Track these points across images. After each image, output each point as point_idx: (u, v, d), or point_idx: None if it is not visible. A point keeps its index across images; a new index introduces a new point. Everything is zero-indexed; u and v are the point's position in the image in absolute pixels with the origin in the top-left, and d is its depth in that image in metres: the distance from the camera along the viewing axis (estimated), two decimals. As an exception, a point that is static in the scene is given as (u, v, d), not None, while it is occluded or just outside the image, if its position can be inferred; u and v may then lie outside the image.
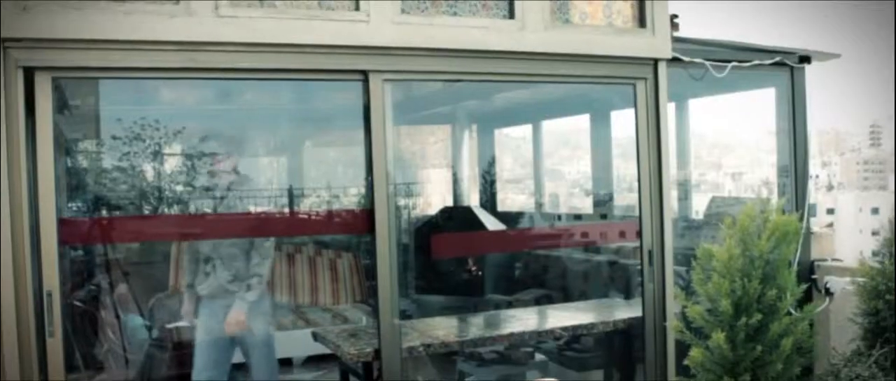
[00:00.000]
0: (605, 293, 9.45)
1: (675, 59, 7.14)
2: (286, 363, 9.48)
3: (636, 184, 7.21)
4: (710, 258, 5.98)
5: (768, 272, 5.86)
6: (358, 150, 6.48)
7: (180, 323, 8.38)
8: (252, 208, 10.99)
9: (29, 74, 5.30)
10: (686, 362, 5.95)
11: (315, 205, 11.73)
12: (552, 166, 14.95)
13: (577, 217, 12.38)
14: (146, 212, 9.54)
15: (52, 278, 5.39)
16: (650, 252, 7.13)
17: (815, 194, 8.15)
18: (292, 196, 11.79)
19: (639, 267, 7.27)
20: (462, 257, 10.68)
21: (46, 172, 5.39)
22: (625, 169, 9.47)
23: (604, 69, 6.97)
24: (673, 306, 7.01)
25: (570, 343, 8.38)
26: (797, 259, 7.21)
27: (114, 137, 8.64)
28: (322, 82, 7.12)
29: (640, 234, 7.18)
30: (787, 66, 7.79)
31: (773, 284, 5.81)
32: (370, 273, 6.79)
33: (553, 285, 10.22)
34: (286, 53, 5.87)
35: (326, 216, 11.03)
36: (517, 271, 10.96)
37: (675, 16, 7.29)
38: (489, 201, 12.82)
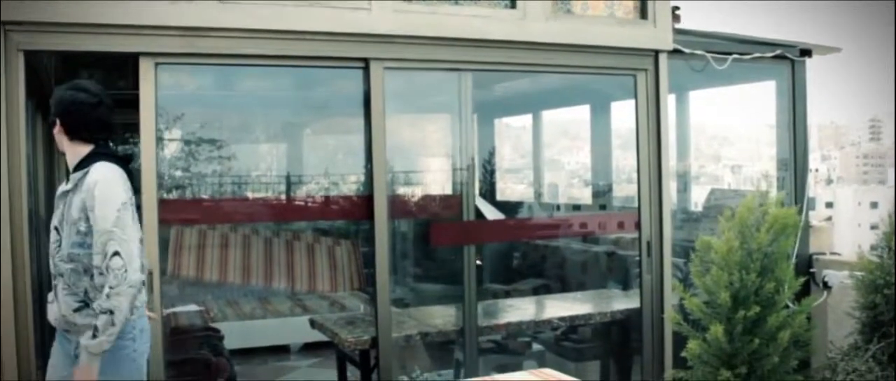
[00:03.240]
0: (603, 284, 9.45)
1: (675, 51, 7.14)
2: (283, 349, 9.50)
3: (635, 175, 7.22)
4: (708, 250, 5.98)
5: (766, 265, 5.85)
6: (357, 137, 6.49)
7: (176, 308, 8.40)
8: (250, 195, 11.00)
9: (32, 57, 5.32)
10: (683, 353, 5.96)
11: (314, 192, 11.72)
12: (552, 157, 14.94)
13: (576, 208, 12.39)
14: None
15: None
16: (649, 243, 7.14)
17: (814, 188, 8.16)
18: (290, 183, 11.78)
19: (637, 258, 7.28)
20: (460, 245, 10.67)
21: (149, 160, 5.57)
22: (624, 160, 9.48)
23: (605, 60, 6.97)
24: (671, 298, 7.02)
25: (568, 334, 8.39)
26: (795, 253, 7.22)
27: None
28: (323, 69, 7.11)
29: (638, 225, 7.19)
30: (788, 59, 7.79)
31: (772, 277, 5.80)
32: (368, 261, 6.73)
33: (551, 276, 10.22)
34: (287, 40, 5.87)
35: (325, 203, 11.02)
36: (515, 261, 10.96)
37: (676, 7, 7.29)
38: (488, 191, 12.80)
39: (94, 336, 4.15)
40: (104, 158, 4.36)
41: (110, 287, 4.16)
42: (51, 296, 4.53)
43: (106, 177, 4.28)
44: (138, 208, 4.58)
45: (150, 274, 5.36)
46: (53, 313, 4.51)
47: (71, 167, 4.39)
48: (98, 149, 4.42)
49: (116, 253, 4.19)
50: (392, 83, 6.30)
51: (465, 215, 6.86)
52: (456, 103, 6.82)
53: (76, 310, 4.36)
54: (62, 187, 4.38)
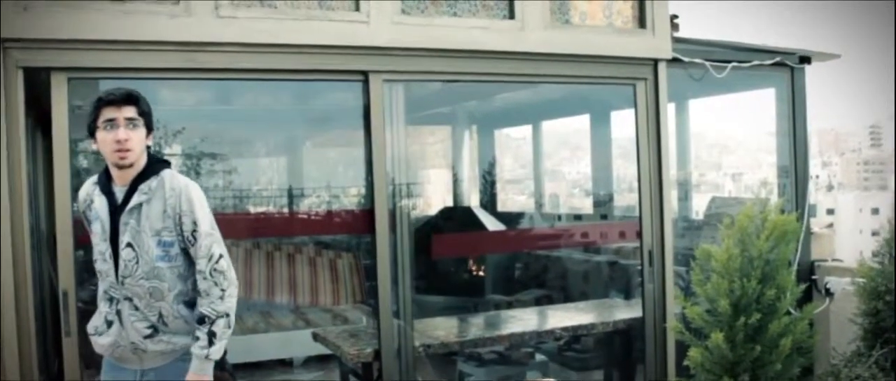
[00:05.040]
0: (605, 294, 9.45)
1: (675, 60, 7.14)
2: (286, 363, 9.48)
3: (636, 184, 7.22)
4: (708, 259, 5.98)
5: (767, 272, 5.86)
6: (357, 150, 6.49)
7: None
8: (251, 209, 11.00)
9: (31, 73, 5.32)
10: (686, 362, 5.95)
11: (315, 205, 11.73)
12: (552, 167, 14.97)
13: (578, 217, 12.39)
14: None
15: (67, 278, 5.38)
16: (650, 252, 7.14)
17: (815, 195, 8.17)
18: (292, 196, 11.79)
19: (639, 267, 7.28)
20: (462, 257, 10.68)
21: (62, 172, 5.40)
22: (625, 169, 9.48)
23: (604, 70, 6.97)
24: (673, 307, 7.02)
25: (571, 344, 8.38)
26: (797, 259, 7.23)
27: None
28: (322, 83, 7.12)
29: (640, 234, 7.18)
30: (787, 66, 7.79)
31: (773, 284, 5.81)
32: (370, 273, 6.72)
33: (553, 286, 10.22)
34: (286, 54, 5.88)
35: (326, 216, 11.02)
36: (517, 272, 10.95)
37: (675, 16, 7.29)
38: (489, 202, 12.82)
39: (212, 343, 4.11)
40: (166, 165, 4.26)
41: (222, 290, 4.14)
42: (97, 323, 4.32)
43: (188, 181, 4.24)
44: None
45: (65, 295, 5.37)
46: (114, 338, 4.23)
47: (127, 180, 4.14)
48: (156, 157, 4.30)
49: (221, 256, 4.18)
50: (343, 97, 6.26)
51: (398, 230, 6.69)
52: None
53: (147, 336, 4.18)
54: (134, 201, 4.10)
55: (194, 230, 4.12)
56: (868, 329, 6.15)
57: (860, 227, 78.53)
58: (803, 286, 6.11)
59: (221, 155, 10.36)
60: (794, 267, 6.55)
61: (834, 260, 7.99)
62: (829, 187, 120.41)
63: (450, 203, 12.89)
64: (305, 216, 11.53)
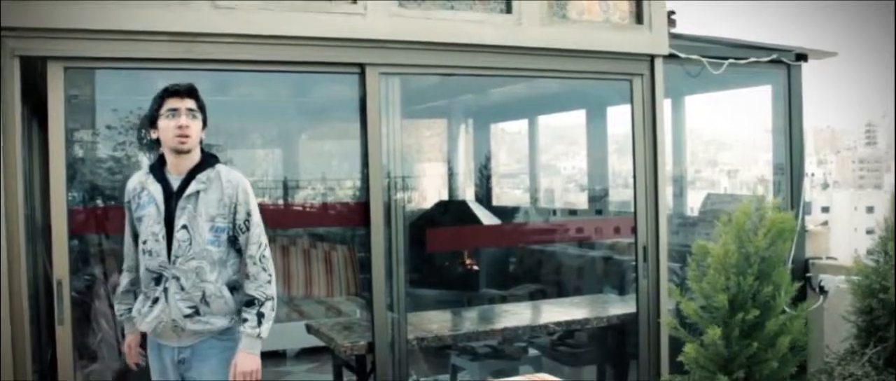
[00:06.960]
0: (599, 289, 9.45)
1: (671, 56, 7.14)
2: (279, 355, 9.47)
3: (631, 180, 7.22)
4: (705, 255, 5.98)
5: (764, 269, 5.85)
6: (353, 143, 6.47)
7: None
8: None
9: (30, 62, 5.31)
10: (680, 358, 5.95)
11: (310, 197, 11.72)
12: (548, 162, 14.96)
13: (573, 213, 12.38)
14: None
15: (62, 267, 5.39)
16: (645, 248, 7.14)
17: (810, 192, 8.16)
18: (287, 188, 11.77)
19: (633, 263, 7.28)
20: (457, 251, 10.67)
21: (57, 162, 5.41)
22: (620, 165, 9.48)
23: (600, 65, 6.97)
24: (667, 303, 7.02)
25: (564, 339, 8.38)
26: (792, 257, 7.23)
27: (108, 127, 8.61)
28: (318, 75, 7.11)
29: (635, 230, 7.18)
30: (784, 63, 7.80)
31: (769, 281, 5.81)
32: (365, 266, 6.72)
33: (547, 280, 10.21)
34: (283, 46, 5.87)
35: (321, 209, 11.01)
36: (512, 266, 10.95)
37: (672, 12, 7.29)
38: (484, 196, 12.81)
39: (260, 323, 4.49)
40: (217, 160, 4.67)
41: (270, 275, 4.57)
42: (140, 307, 4.64)
43: (242, 176, 4.67)
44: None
45: (60, 284, 5.39)
46: (157, 316, 4.53)
47: (183, 170, 4.53)
48: (209, 153, 4.71)
49: (267, 245, 4.62)
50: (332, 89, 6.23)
51: (393, 223, 6.66)
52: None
53: (187, 316, 4.50)
54: (192, 188, 4.48)
55: (247, 219, 4.56)
56: (862, 327, 6.14)
57: (855, 225, 78.57)
58: (798, 284, 6.12)
59: (217, 146, 10.32)
60: (789, 265, 6.55)
61: (828, 258, 8.00)
62: (825, 185, 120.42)
63: (445, 197, 12.88)
64: (300, 208, 11.51)
